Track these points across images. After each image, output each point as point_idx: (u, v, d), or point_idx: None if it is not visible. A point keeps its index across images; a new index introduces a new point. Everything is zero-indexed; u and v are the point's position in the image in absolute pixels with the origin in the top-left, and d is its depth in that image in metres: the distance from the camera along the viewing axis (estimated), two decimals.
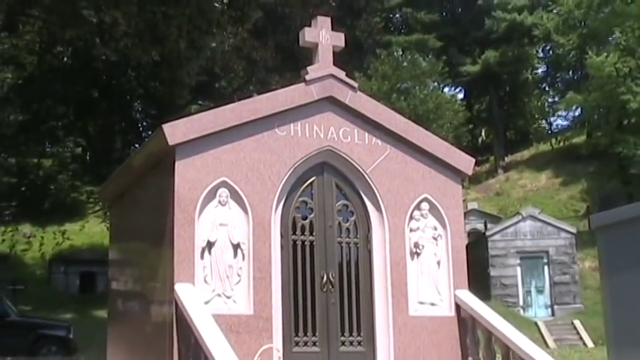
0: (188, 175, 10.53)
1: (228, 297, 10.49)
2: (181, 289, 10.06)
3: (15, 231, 32.80)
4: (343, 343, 11.25)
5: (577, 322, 32.70)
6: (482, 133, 65.76)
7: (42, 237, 32.83)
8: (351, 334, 11.33)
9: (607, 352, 16.86)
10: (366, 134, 11.79)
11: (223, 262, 10.53)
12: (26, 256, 36.26)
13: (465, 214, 36.31)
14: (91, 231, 36.27)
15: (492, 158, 59.59)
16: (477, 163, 13.49)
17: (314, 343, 11.07)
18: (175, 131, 10.54)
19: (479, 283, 28.70)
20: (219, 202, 10.67)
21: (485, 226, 39.63)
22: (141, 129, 33.74)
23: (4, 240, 32.43)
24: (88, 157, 33.35)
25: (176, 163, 10.52)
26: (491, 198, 51.65)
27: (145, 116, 33.18)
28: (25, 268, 36.66)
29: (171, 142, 10.48)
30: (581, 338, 31.30)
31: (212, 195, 10.65)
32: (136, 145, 15.42)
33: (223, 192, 10.69)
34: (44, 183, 33.76)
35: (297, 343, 10.96)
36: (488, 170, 58.01)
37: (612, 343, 16.74)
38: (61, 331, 23.51)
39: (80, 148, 32.26)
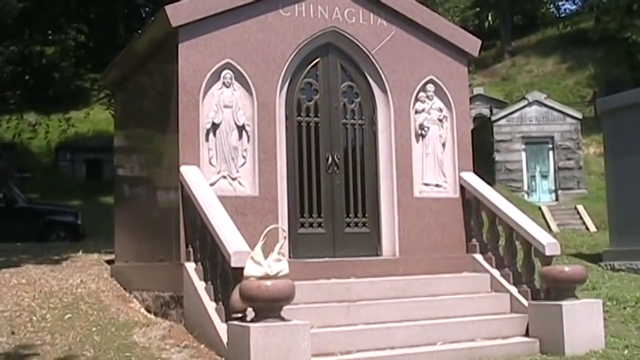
0: (192, 58, 10.46)
1: (233, 179, 10.54)
2: (187, 171, 10.10)
3: (20, 119, 32.72)
4: (348, 225, 11.37)
5: (580, 207, 32.84)
6: (489, 17, 64.79)
7: (47, 125, 32.75)
8: (356, 216, 11.43)
9: (609, 235, 17.12)
10: (371, 15, 11.66)
11: (228, 144, 10.55)
12: (32, 145, 36.32)
13: (470, 98, 36.09)
14: (96, 118, 36.24)
15: (499, 43, 58.88)
16: (483, 48, 13.34)
17: (319, 225, 11.18)
18: (178, 13, 10.44)
19: (484, 168, 28.74)
20: (224, 83, 10.62)
21: (491, 111, 39.46)
22: (144, 15, 33.22)
23: (8, 128, 32.39)
24: (90, 45, 32.94)
25: (179, 46, 10.45)
26: (497, 83, 51.33)
27: (148, 1, 32.64)
28: (32, 157, 36.82)
29: (174, 23, 10.38)
30: (584, 223, 31.48)
31: (216, 77, 10.60)
32: (139, 32, 15.12)
33: (227, 74, 10.63)
34: (48, 71, 33.49)
35: (302, 225, 11.07)
36: (494, 55, 57.39)
37: (614, 227, 16.98)
38: (69, 217, 23.67)
39: (83, 36, 31.80)
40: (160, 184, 11.24)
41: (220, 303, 9.02)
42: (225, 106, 10.61)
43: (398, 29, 11.82)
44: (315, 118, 11.34)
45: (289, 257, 10.30)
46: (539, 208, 33.19)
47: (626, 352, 9.37)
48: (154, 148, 11.63)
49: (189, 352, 8.88)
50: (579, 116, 36.20)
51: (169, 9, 10.40)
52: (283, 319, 8.13)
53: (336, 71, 11.55)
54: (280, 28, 11.04)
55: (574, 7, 67.67)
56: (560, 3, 69.14)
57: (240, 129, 10.65)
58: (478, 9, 57.94)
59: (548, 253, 10.29)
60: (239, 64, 10.70)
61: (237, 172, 10.59)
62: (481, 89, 43.72)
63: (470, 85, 33.75)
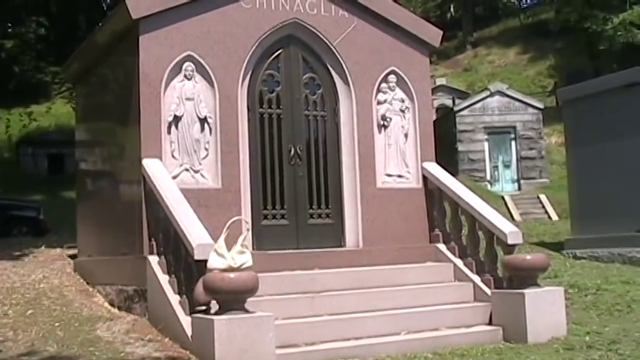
0: (153, 50, 10.41)
1: (196, 171, 10.52)
2: (149, 164, 10.06)
3: None
4: (311, 216, 11.39)
5: (543, 197, 33.02)
6: (451, 8, 65.05)
7: (8, 119, 32.43)
8: (319, 207, 11.46)
9: (570, 224, 17.27)
10: (333, 6, 11.67)
11: (190, 137, 10.52)
12: None
13: (433, 89, 36.19)
14: (57, 112, 35.85)
15: (461, 34, 59.09)
16: (445, 39, 13.40)
17: (282, 216, 11.19)
18: (139, 4, 10.39)
19: (447, 159, 28.82)
20: (185, 76, 10.59)
21: (454, 101, 39.58)
22: (105, 7, 33.02)
23: None
24: (51, 38, 32.64)
25: (140, 38, 10.39)
26: (459, 74, 51.45)
27: None
28: None
29: (134, 15, 10.33)
30: (546, 212, 31.67)
31: (177, 69, 10.57)
32: (100, 24, 14.89)
33: (189, 66, 10.60)
34: (8, 64, 33.14)
35: (265, 216, 11.08)
36: (456, 46, 57.53)
37: (576, 215, 17.13)
38: (31, 212, 23.41)
39: (43, 29, 31.49)
40: (122, 177, 11.19)
41: (184, 296, 9.01)
42: (187, 99, 10.57)
43: (360, 20, 11.85)
44: (278, 110, 11.34)
45: (253, 249, 10.31)
46: (502, 198, 33.36)
47: (587, 338, 9.47)
48: (115, 141, 11.57)
49: (153, 345, 8.84)
50: (541, 106, 36.43)
51: (130, 1, 10.34)
52: (247, 311, 8.14)
53: (298, 63, 11.56)
54: (241, 19, 11.01)
55: None
56: None
57: (202, 121, 10.63)
58: (440, 0, 58.10)
59: (510, 241, 10.36)
60: (200, 56, 10.67)
61: (200, 164, 10.57)
62: (443, 80, 43.82)
63: (432, 76, 33.83)
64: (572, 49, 46.12)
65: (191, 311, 8.68)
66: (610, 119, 16.00)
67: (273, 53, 11.40)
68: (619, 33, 41.60)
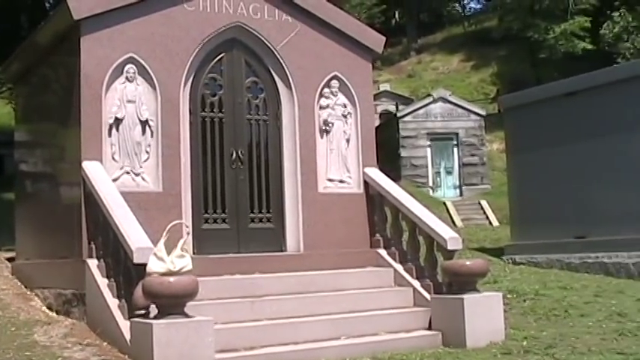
0: (94, 51, 10.33)
1: (136, 174, 10.45)
2: (89, 167, 9.97)
3: None
4: (252, 220, 11.37)
5: (484, 203, 33.37)
6: (396, 15, 65.48)
7: None
8: (260, 211, 11.44)
9: (510, 229, 17.47)
10: (277, 10, 11.68)
11: (131, 139, 10.45)
12: None
13: (376, 95, 36.38)
14: None
15: (405, 40, 59.49)
16: (389, 45, 13.50)
17: (223, 220, 11.17)
18: (80, 5, 10.30)
19: (390, 164, 29.03)
20: (127, 78, 10.52)
21: (397, 107, 39.80)
22: (48, 7, 32.64)
23: None
24: None
25: (82, 39, 10.30)
26: (403, 80, 51.74)
27: None
28: None
29: (76, 16, 10.24)
30: (487, 217, 31.99)
31: (119, 71, 10.49)
32: (42, 24, 14.61)
33: (131, 68, 10.53)
34: None
35: (206, 220, 11.04)
36: (400, 52, 57.88)
37: (515, 222, 17.34)
38: None
39: None
40: (62, 179, 11.08)
41: (123, 300, 8.94)
42: (129, 101, 10.50)
43: (303, 25, 11.87)
44: (220, 114, 11.31)
45: (193, 253, 10.27)
46: (444, 204, 33.64)
47: (525, 343, 9.58)
48: (56, 142, 11.45)
49: (91, 350, 8.76)
50: (483, 113, 36.84)
51: (72, 1, 10.24)
52: (187, 316, 8.10)
53: (241, 67, 11.55)
54: (184, 22, 10.97)
55: (479, 6, 68.81)
56: (465, 2, 70.18)
57: (144, 124, 10.56)
58: (385, 6, 58.35)
59: (450, 247, 10.44)
60: (143, 58, 10.61)
61: (141, 167, 10.50)
62: (387, 86, 44.02)
63: (376, 82, 33.97)
64: (515, 57, 46.76)
65: (130, 315, 8.62)
66: (550, 127, 16.26)
67: (216, 56, 11.37)
68: (560, 42, 42.40)
